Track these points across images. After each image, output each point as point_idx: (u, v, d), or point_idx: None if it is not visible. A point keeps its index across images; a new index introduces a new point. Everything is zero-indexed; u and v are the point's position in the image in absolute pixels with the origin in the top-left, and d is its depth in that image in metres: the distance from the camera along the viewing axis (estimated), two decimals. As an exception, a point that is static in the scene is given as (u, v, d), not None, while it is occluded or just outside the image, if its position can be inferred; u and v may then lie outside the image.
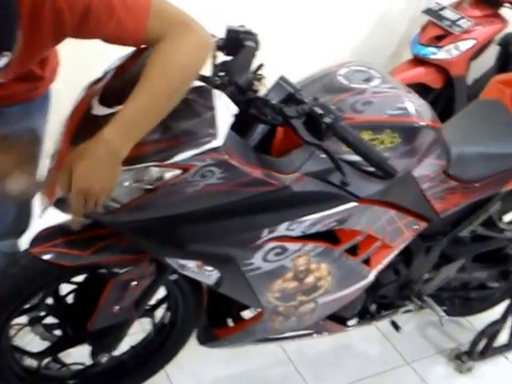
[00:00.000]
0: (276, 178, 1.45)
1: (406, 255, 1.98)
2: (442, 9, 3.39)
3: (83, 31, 1.28)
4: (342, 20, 3.62)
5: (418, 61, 3.38)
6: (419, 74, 3.31)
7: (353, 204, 1.61)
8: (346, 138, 1.39)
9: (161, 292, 1.83)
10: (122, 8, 1.25)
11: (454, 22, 3.31)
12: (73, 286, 1.77)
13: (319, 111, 1.39)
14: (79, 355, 1.88)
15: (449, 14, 3.36)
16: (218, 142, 1.34)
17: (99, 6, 1.23)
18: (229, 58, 1.56)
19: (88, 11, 1.22)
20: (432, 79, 3.34)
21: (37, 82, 1.62)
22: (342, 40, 3.60)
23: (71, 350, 1.85)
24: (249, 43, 1.55)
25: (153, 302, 1.87)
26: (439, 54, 3.31)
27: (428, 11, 3.42)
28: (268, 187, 1.43)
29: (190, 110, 1.37)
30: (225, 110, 1.38)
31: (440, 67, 3.34)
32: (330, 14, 3.55)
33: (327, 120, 1.38)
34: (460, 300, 2.41)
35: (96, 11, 1.23)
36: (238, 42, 1.55)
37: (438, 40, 3.35)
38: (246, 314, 1.89)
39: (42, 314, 1.76)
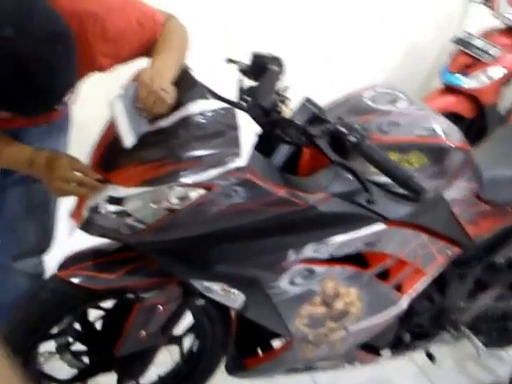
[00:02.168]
0: (301, 197, 1.43)
1: (440, 282, 1.93)
2: (471, 37, 3.37)
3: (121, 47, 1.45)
4: (372, 48, 3.64)
5: (449, 90, 3.36)
6: (450, 102, 3.28)
7: (381, 226, 1.58)
8: (372, 157, 1.38)
9: (189, 319, 1.81)
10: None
11: (483, 51, 3.29)
12: (101, 312, 1.77)
13: (344, 130, 1.39)
14: (107, 383, 1.86)
15: (478, 42, 3.35)
16: (241, 161, 1.35)
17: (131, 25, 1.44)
18: (254, 83, 1.58)
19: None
20: (463, 108, 3.30)
21: (61, 106, 1.66)
22: (371, 69, 3.61)
23: (99, 378, 1.84)
24: (273, 67, 1.57)
25: (181, 329, 1.86)
26: (469, 83, 3.29)
27: (457, 40, 3.41)
28: (293, 207, 1.42)
29: (214, 129, 1.38)
30: (248, 129, 1.38)
31: (471, 96, 3.31)
32: (360, 41, 3.57)
33: (352, 139, 1.37)
34: (498, 330, 2.32)
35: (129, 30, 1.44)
36: (262, 67, 1.58)
37: (468, 68, 3.32)
38: (276, 344, 1.86)
39: (70, 339, 1.76)
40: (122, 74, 1.53)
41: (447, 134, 1.62)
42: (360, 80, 3.51)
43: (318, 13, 3.37)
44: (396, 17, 3.67)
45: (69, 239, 1.52)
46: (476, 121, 3.34)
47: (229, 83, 1.61)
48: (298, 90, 1.60)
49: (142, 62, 1.49)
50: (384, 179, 1.50)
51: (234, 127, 1.38)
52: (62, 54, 1.20)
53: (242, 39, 3.00)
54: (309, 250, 1.51)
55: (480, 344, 2.10)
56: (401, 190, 1.54)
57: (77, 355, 1.79)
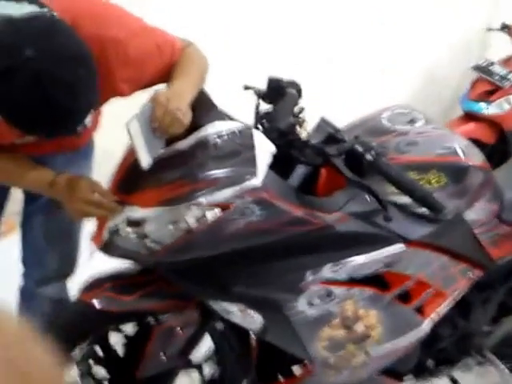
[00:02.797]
0: (318, 217, 1.43)
1: (463, 306, 1.89)
2: (491, 64, 3.37)
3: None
4: (393, 77, 3.64)
5: (469, 117, 3.35)
6: (471, 129, 3.26)
7: (400, 247, 1.57)
8: (389, 174, 1.38)
9: (210, 344, 1.80)
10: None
11: (503, 77, 3.29)
12: (121, 336, 1.77)
13: (360, 149, 1.39)
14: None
15: (498, 69, 3.34)
16: (257, 180, 1.35)
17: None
18: (271, 107, 1.60)
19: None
20: (484, 134, 3.29)
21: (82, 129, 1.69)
22: (391, 96, 3.61)
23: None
24: (290, 91, 1.58)
25: (202, 354, 1.85)
26: (490, 109, 3.27)
27: (477, 67, 3.41)
28: (310, 226, 1.42)
29: (230, 149, 1.39)
30: (263, 148, 1.39)
31: (492, 122, 3.30)
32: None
33: (368, 157, 1.38)
34: (525, 357, 2.27)
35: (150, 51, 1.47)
36: (279, 91, 1.59)
37: (489, 95, 3.32)
38: (297, 371, 1.83)
39: (91, 363, 1.76)
40: (143, 99, 1.57)
41: (466, 153, 1.61)
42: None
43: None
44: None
45: (90, 262, 1.54)
46: (497, 147, 3.31)
47: (246, 109, 1.63)
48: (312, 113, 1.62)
49: (161, 87, 1.52)
50: (402, 200, 1.50)
51: (250, 147, 1.39)
52: (83, 76, 1.22)
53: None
54: (327, 271, 1.51)
55: (506, 370, 2.04)
56: (420, 211, 1.54)
57: (98, 382, 1.79)
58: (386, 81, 3.72)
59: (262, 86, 1.65)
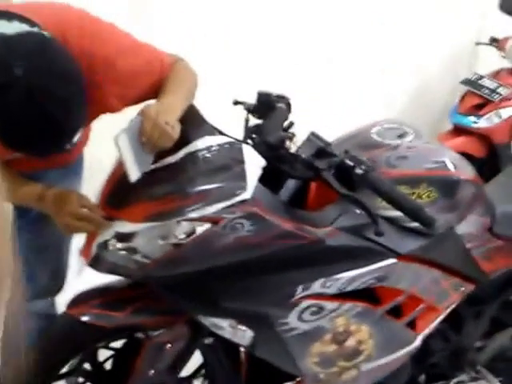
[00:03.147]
0: (308, 231, 1.42)
1: (455, 320, 1.88)
2: (480, 78, 3.38)
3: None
4: (381, 90, 3.65)
5: (459, 130, 3.35)
6: (461, 143, 3.26)
7: (392, 261, 1.56)
8: (379, 189, 1.38)
9: (199, 359, 1.79)
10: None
11: (492, 91, 3.29)
12: (111, 352, 1.75)
13: (350, 163, 1.39)
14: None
15: (487, 82, 3.35)
16: (247, 195, 1.35)
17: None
18: (260, 121, 1.59)
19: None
20: (475, 148, 3.28)
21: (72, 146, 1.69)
22: (379, 111, 3.62)
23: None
24: (280, 105, 1.58)
25: (191, 369, 1.83)
26: (480, 123, 3.28)
27: (466, 81, 3.42)
28: (300, 240, 1.41)
29: (220, 164, 1.39)
30: (253, 163, 1.39)
31: (482, 136, 3.30)
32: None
33: (358, 171, 1.37)
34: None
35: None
36: (269, 106, 1.59)
37: (478, 109, 3.32)
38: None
39: (80, 380, 1.73)
40: (133, 112, 1.56)
41: (457, 166, 1.61)
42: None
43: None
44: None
45: (79, 277, 1.53)
46: (488, 161, 3.31)
47: (236, 125, 1.62)
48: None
49: (151, 102, 1.51)
50: (393, 213, 1.49)
51: (239, 161, 1.38)
52: (73, 92, 1.22)
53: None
54: (318, 286, 1.49)
55: (499, 385, 2.03)
56: (411, 225, 1.53)
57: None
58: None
59: (253, 99, 1.65)
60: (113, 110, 1.54)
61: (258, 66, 3.07)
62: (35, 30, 1.21)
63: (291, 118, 1.61)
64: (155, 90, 1.51)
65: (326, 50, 3.43)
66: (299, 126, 1.60)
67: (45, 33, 1.22)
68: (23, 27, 1.21)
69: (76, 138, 1.30)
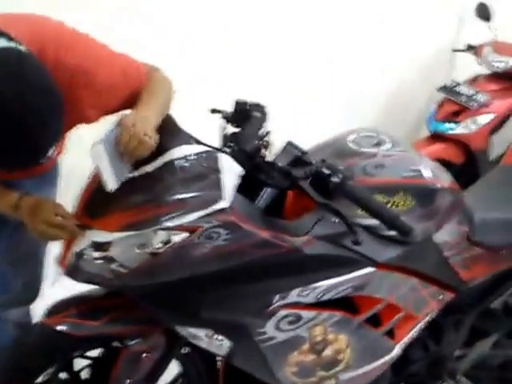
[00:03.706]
0: (285, 240, 1.42)
1: (435, 329, 1.88)
2: (457, 85, 3.40)
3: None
4: (356, 99, 3.65)
5: (437, 137, 3.37)
6: (438, 149, 3.28)
7: (370, 269, 1.56)
8: (356, 197, 1.38)
9: (177, 369, 1.78)
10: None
11: (470, 97, 3.31)
12: (87, 362, 1.74)
13: (326, 171, 1.39)
14: None
15: (464, 89, 3.37)
16: (224, 203, 1.35)
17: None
18: (237, 130, 1.60)
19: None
20: (452, 154, 3.30)
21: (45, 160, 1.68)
22: (355, 119, 3.63)
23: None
24: (256, 114, 1.59)
25: (169, 379, 1.81)
26: (457, 130, 3.30)
27: (443, 89, 3.44)
28: (277, 249, 1.40)
29: (197, 173, 1.38)
30: (230, 171, 1.39)
31: (459, 142, 3.32)
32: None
33: (335, 179, 1.37)
34: (498, 380, 2.25)
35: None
36: (246, 114, 1.59)
37: (455, 116, 3.34)
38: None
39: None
40: (110, 123, 1.56)
41: (434, 174, 1.62)
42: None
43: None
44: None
45: (55, 286, 1.51)
46: (465, 167, 3.33)
47: (212, 132, 1.62)
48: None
49: (128, 111, 1.51)
50: (370, 222, 1.49)
51: (216, 170, 1.38)
52: (49, 108, 1.21)
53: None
54: (295, 295, 1.49)
55: (479, 394, 2.04)
56: (388, 233, 1.53)
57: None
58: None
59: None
60: (90, 121, 1.55)
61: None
62: (12, 44, 1.21)
63: (272, 125, 1.62)
64: (132, 99, 1.52)
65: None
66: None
67: (21, 48, 1.22)
68: (1, 43, 1.20)
69: (50, 152, 1.29)
